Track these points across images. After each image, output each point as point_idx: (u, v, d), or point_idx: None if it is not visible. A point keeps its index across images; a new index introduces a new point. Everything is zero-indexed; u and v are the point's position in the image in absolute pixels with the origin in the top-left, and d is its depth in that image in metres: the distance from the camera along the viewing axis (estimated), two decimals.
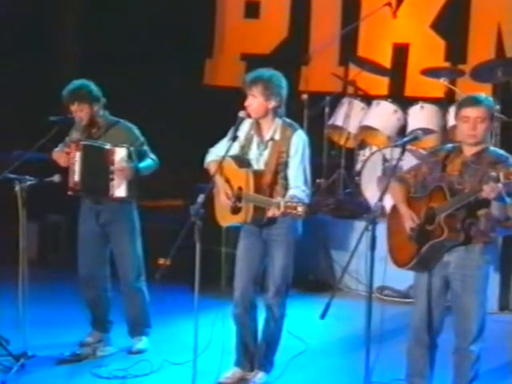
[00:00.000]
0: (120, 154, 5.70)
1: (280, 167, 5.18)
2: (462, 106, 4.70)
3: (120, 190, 5.72)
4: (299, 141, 5.19)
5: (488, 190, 4.45)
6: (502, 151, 4.77)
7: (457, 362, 4.83)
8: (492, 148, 4.77)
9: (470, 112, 4.64)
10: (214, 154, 5.37)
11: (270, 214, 5.00)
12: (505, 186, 4.44)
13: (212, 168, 5.33)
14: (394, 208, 4.91)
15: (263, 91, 5.11)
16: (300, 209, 4.83)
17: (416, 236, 4.71)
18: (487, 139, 4.74)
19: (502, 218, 4.65)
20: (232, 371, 5.46)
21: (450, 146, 4.85)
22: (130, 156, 5.72)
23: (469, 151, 4.71)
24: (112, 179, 5.71)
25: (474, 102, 4.67)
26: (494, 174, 4.47)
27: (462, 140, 4.74)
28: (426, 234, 4.68)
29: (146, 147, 5.87)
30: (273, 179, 5.17)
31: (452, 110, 7.47)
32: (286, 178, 5.18)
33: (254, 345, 5.40)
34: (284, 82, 5.22)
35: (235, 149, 5.28)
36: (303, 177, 5.17)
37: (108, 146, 5.71)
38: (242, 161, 5.25)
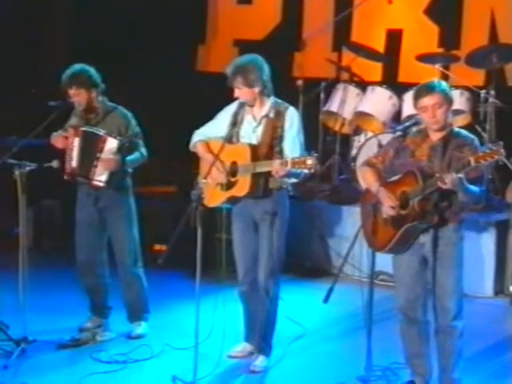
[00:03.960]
0: (111, 144, 5.70)
1: (275, 141, 5.30)
2: (418, 97, 4.76)
3: (100, 178, 5.72)
4: (293, 115, 5.34)
5: (448, 181, 4.53)
6: (466, 133, 4.85)
7: (440, 342, 4.88)
8: (456, 130, 4.83)
9: (427, 101, 4.71)
10: (201, 134, 5.49)
11: (274, 171, 5.08)
12: (470, 170, 4.52)
13: (199, 148, 5.46)
14: (367, 192, 4.98)
15: (244, 81, 5.25)
16: (310, 161, 4.91)
17: (392, 219, 4.76)
18: (449, 122, 4.80)
19: (471, 202, 4.74)
20: (242, 345, 5.60)
21: (414, 130, 4.91)
22: (120, 149, 5.71)
23: (435, 136, 4.79)
24: (96, 166, 5.71)
25: (427, 90, 4.73)
26: (461, 161, 4.54)
27: (427, 127, 4.81)
28: (400, 217, 4.74)
29: (139, 139, 5.87)
30: (269, 152, 5.28)
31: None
32: (281, 153, 5.28)
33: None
34: (263, 65, 5.32)
35: (223, 130, 5.35)
36: (299, 148, 5.28)
37: (101, 133, 5.70)
38: (231, 139, 5.35)
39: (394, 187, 4.80)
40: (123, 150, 5.73)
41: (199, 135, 5.51)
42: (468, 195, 4.64)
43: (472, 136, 4.83)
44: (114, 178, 5.74)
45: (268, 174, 5.20)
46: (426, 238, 4.79)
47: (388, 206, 4.76)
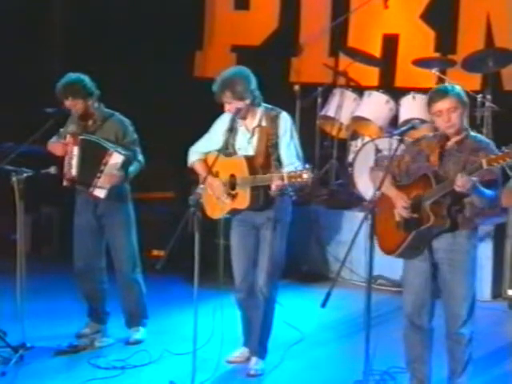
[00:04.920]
0: (116, 159, 5.71)
1: (271, 149, 5.30)
2: (432, 102, 4.74)
3: (100, 191, 5.74)
4: (286, 121, 5.33)
5: (459, 184, 4.51)
6: (482, 137, 4.84)
7: (450, 347, 4.89)
8: (473, 134, 4.81)
9: (441, 105, 4.68)
10: (197, 152, 5.49)
11: (273, 186, 5.09)
12: (484, 173, 4.50)
13: (198, 168, 5.47)
14: (381, 195, 4.95)
15: (232, 95, 5.23)
16: (305, 175, 4.93)
17: (404, 223, 4.76)
18: (465, 126, 4.77)
19: (486, 206, 4.70)
20: (241, 351, 5.61)
21: (431, 135, 4.90)
22: (124, 165, 5.73)
23: (450, 140, 4.77)
24: (99, 177, 5.72)
25: (440, 94, 4.70)
26: (474, 164, 4.51)
27: (443, 131, 4.79)
28: (412, 221, 4.74)
29: (136, 147, 5.88)
30: (265, 161, 5.28)
31: None
32: (278, 160, 5.29)
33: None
34: (250, 76, 5.30)
35: (219, 143, 5.35)
36: (295, 152, 5.29)
37: (109, 148, 5.71)
38: (227, 152, 5.35)
39: (407, 190, 4.79)
40: (127, 166, 5.75)
41: (195, 153, 5.51)
42: (482, 198, 4.61)
43: (488, 140, 4.80)
44: (113, 191, 5.76)
45: (267, 186, 5.19)
46: (438, 245, 4.77)
47: (400, 207, 4.75)
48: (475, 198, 4.63)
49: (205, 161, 5.47)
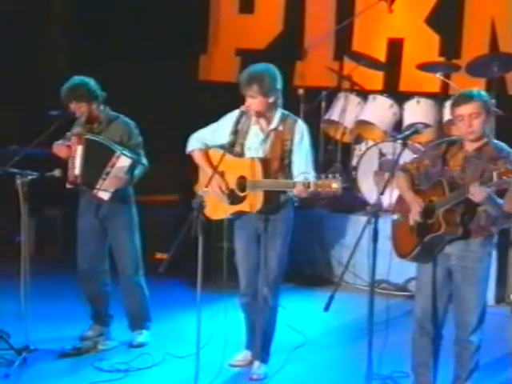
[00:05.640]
0: (123, 162, 5.71)
1: (285, 154, 5.23)
2: (455, 105, 4.71)
3: (105, 194, 5.74)
4: (302, 128, 5.28)
5: (475, 193, 4.49)
6: (504, 146, 4.76)
7: (457, 353, 4.88)
8: (494, 142, 4.77)
9: (464, 110, 4.64)
10: (200, 141, 5.38)
11: (296, 192, 5.00)
12: (499, 184, 4.45)
13: (199, 157, 5.37)
14: (400, 198, 4.95)
15: (260, 90, 5.13)
16: (335, 185, 4.86)
17: (417, 228, 4.76)
18: (487, 133, 4.74)
19: (500, 215, 4.66)
20: (243, 354, 5.59)
21: (450, 139, 4.87)
22: (130, 168, 5.73)
23: (470, 146, 4.73)
24: (104, 179, 5.72)
25: (465, 99, 4.67)
26: (488, 174, 4.48)
27: (463, 136, 4.76)
28: (426, 226, 4.72)
29: (140, 149, 5.88)
30: (279, 166, 5.22)
31: (448, 105, 7.54)
32: (289, 166, 5.23)
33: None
34: (278, 74, 5.25)
35: (224, 137, 5.28)
36: (311, 162, 5.25)
37: (116, 150, 5.71)
38: (233, 150, 5.26)
39: (423, 196, 4.77)
40: (133, 169, 5.75)
41: (198, 141, 5.40)
42: (497, 208, 4.57)
43: (509, 149, 4.73)
44: (117, 194, 5.76)
45: (281, 191, 5.15)
46: (451, 250, 4.75)
47: (414, 212, 4.74)
48: (489, 208, 4.59)
49: (206, 153, 5.36)
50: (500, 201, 4.55)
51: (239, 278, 5.42)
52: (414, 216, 4.76)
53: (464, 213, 4.66)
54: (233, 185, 5.28)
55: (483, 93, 4.74)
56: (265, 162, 5.18)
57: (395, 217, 4.95)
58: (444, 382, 5.01)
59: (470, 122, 4.64)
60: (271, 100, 5.19)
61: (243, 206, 5.24)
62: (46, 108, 5.96)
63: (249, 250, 5.36)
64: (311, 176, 5.12)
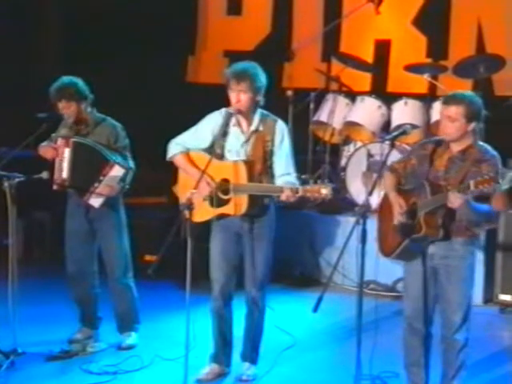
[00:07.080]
0: (117, 172, 5.70)
1: (267, 156, 5.19)
2: (442, 103, 4.73)
3: (96, 201, 5.73)
4: (283, 129, 5.23)
5: (452, 200, 4.51)
6: (489, 148, 4.74)
7: (443, 351, 4.90)
8: (480, 144, 4.76)
9: (443, 111, 4.67)
10: (180, 145, 5.29)
11: (284, 197, 4.97)
12: (476, 192, 4.44)
13: (180, 160, 5.26)
14: (385, 196, 4.97)
15: (251, 85, 5.07)
16: (324, 191, 4.84)
17: (400, 228, 4.78)
18: (470, 136, 4.68)
19: (482, 220, 4.69)
20: (210, 367, 5.44)
21: (437, 138, 4.86)
22: (123, 178, 5.73)
23: (455, 148, 4.74)
24: (96, 187, 5.71)
25: (449, 100, 4.67)
26: (469, 179, 4.48)
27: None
28: (408, 227, 4.75)
29: (127, 152, 5.86)
30: (262, 168, 5.18)
31: (435, 106, 7.58)
32: (271, 167, 5.20)
33: (231, 337, 5.41)
34: (263, 73, 5.19)
35: (205, 141, 5.23)
36: (292, 162, 5.21)
37: (109, 158, 5.70)
38: (217, 154, 5.18)
39: (406, 196, 4.79)
40: (125, 177, 5.74)
41: (178, 145, 5.30)
42: (476, 214, 4.58)
43: (494, 153, 4.70)
44: (107, 199, 5.75)
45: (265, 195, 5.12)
46: (435, 250, 4.77)
47: (397, 212, 4.77)
48: (469, 213, 4.60)
49: (188, 156, 5.26)
50: (481, 206, 4.56)
51: (212, 282, 5.30)
52: (398, 216, 4.78)
53: (445, 215, 4.68)
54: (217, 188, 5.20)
55: (474, 98, 4.71)
56: (249, 165, 5.13)
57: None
58: (436, 380, 5.02)
59: (445, 123, 4.65)
60: (258, 98, 5.14)
61: (227, 209, 5.17)
62: (35, 110, 5.95)
63: (226, 253, 5.27)
64: (293, 177, 5.12)
